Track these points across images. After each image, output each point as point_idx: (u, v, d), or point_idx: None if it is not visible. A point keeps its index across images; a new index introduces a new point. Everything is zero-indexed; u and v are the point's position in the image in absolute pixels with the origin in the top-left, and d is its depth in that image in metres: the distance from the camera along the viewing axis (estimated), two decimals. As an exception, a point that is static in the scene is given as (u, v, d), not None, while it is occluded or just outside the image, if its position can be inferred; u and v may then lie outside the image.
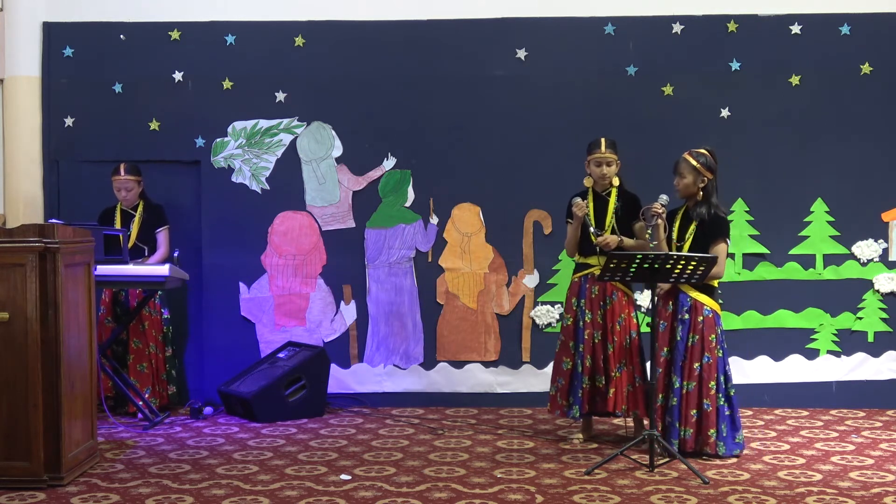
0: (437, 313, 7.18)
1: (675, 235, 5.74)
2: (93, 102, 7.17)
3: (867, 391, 7.02)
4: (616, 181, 6.02)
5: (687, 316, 5.63)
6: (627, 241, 5.94)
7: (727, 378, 5.67)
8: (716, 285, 5.71)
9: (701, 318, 5.62)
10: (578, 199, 5.95)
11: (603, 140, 5.99)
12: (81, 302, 5.42)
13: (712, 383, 5.59)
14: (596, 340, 5.96)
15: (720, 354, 5.65)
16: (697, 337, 5.61)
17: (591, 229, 5.94)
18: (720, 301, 5.75)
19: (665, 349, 5.68)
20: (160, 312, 6.93)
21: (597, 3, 7.08)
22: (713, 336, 5.62)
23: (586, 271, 6.01)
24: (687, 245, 5.67)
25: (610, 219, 5.98)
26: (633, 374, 5.92)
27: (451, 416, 6.82)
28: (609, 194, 6.02)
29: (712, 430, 5.57)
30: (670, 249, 5.68)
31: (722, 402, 5.61)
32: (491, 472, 5.38)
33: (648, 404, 5.61)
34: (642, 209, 5.80)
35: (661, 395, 5.66)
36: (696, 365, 5.60)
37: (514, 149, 7.11)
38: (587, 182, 6.07)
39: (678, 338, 5.62)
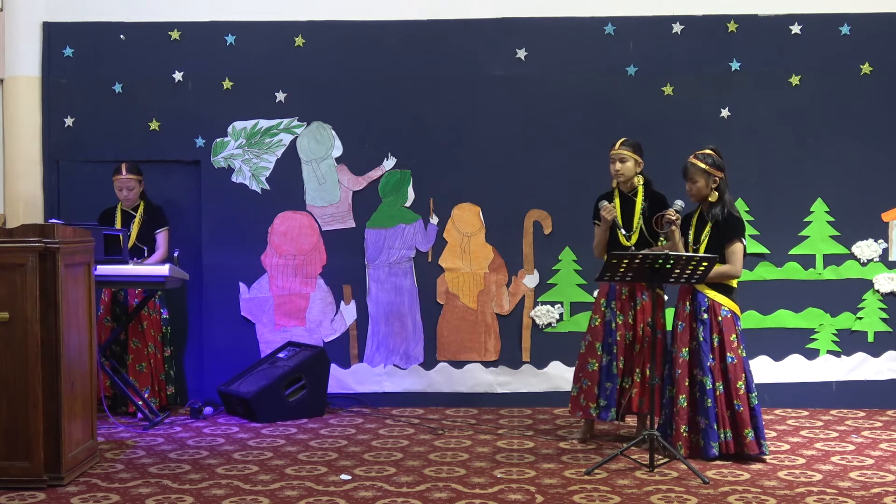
0: (437, 313, 7.18)
1: (691, 239, 5.72)
2: (93, 102, 7.17)
3: (867, 391, 7.02)
4: (640, 180, 5.99)
5: (706, 316, 5.60)
6: None
7: (749, 381, 5.61)
8: (735, 285, 5.69)
9: (720, 318, 5.59)
10: (606, 203, 5.92)
11: (622, 139, 5.99)
12: (81, 302, 5.42)
13: (740, 383, 5.56)
14: (627, 341, 5.93)
15: (743, 354, 5.63)
16: (718, 337, 5.59)
17: (621, 231, 5.92)
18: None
19: (684, 349, 5.64)
20: (159, 312, 6.93)
21: (597, 3, 7.08)
22: (734, 336, 5.60)
23: None
24: (703, 247, 5.63)
25: (637, 219, 5.95)
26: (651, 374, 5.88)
27: (451, 416, 6.82)
28: (635, 194, 5.99)
29: (747, 430, 5.53)
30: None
31: (755, 403, 5.58)
32: (491, 472, 5.38)
33: (651, 403, 5.59)
34: (656, 216, 5.77)
35: (683, 397, 5.61)
36: (722, 365, 5.58)
37: (514, 149, 7.10)
38: (614, 182, 6.05)
39: (701, 338, 5.58)
